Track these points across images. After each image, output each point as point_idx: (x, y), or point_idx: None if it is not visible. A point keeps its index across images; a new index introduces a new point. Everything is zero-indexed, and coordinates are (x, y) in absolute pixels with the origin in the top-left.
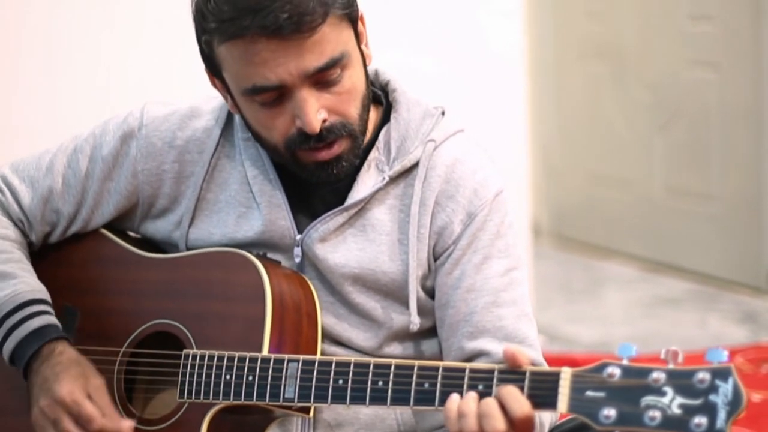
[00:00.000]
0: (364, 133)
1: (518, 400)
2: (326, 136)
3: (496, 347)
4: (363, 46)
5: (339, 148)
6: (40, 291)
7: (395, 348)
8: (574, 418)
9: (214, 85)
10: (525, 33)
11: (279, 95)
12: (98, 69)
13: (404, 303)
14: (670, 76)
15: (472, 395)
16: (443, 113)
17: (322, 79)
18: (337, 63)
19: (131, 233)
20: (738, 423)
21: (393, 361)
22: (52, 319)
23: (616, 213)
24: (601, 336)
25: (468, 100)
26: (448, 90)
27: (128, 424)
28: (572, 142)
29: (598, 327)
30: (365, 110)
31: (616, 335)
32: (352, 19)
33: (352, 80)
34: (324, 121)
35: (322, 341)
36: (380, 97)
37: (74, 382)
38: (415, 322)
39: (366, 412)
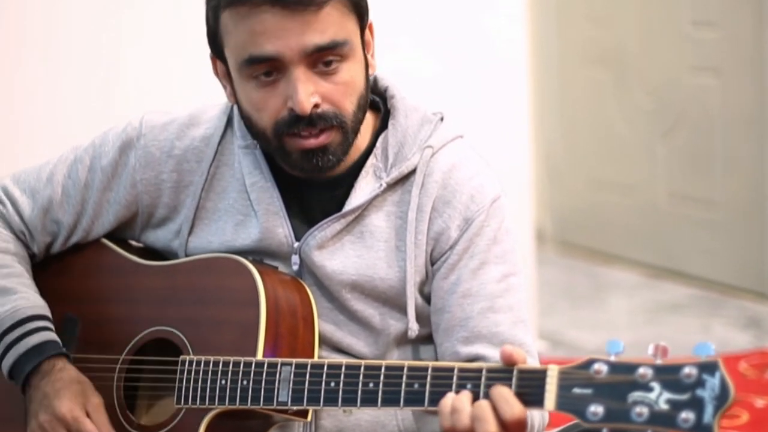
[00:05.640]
0: (355, 132)
1: (509, 402)
2: (316, 121)
3: (491, 352)
4: (368, 55)
5: (327, 138)
6: (41, 307)
7: (395, 355)
8: (576, 426)
9: (216, 72)
10: (528, 38)
11: (275, 72)
12: (98, 72)
13: (402, 310)
14: (673, 81)
15: (466, 393)
16: (442, 119)
17: (320, 61)
18: (338, 47)
19: (133, 242)
20: (742, 429)
21: (383, 363)
22: (51, 335)
23: (620, 219)
24: (604, 342)
25: (471, 105)
26: (451, 95)
27: None
28: (575, 147)
29: (602, 333)
30: (361, 110)
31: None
32: (359, 14)
33: (351, 74)
34: (317, 106)
35: (322, 348)
36: (378, 103)
37: (74, 399)
38: (414, 328)
39: (367, 418)
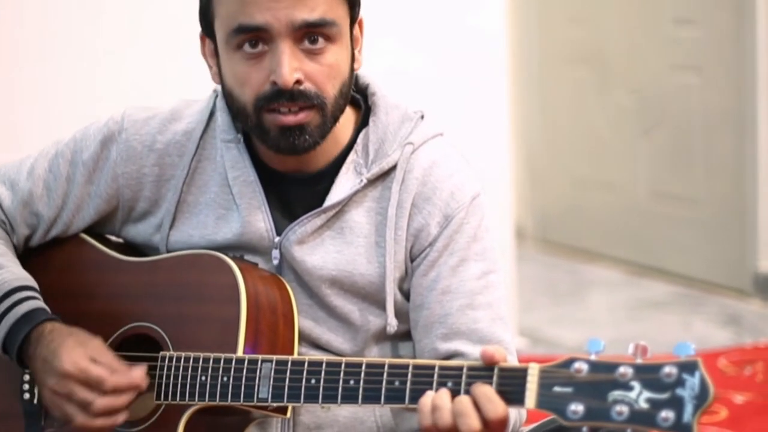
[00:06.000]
0: (335, 119)
1: (493, 401)
2: (297, 97)
3: (470, 349)
4: (356, 50)
5: (306, 117)
6: (26, 279)
7: (373, 351)
8: (552, 421)
9: (203, 53)
10: (509, 38)
11: (261, 43)
12: (96, 71)
13: (382, 306)
14: (654, 80)
15: (446, 391)
16: (422, 117)
17: (308, 35)
18: (326, 26)
19: (113, 237)
20: (721, 425)
21: (364, 360)
22: (39, 304)
23: (601, 217)
24: (585, 339)
25: (452, 104)
26: (431, 94)
27: (139, 371)
28: (557, 146)
29: (582, 330)
30: (342, 98)
31: (601, 338)
32: (351, 3)
33: (336, 58)
34: (299, 82)
35: (301, 344)
36: (359, 100)
37: (73, 351)
38: (393, 324)
39: (345, 414)
